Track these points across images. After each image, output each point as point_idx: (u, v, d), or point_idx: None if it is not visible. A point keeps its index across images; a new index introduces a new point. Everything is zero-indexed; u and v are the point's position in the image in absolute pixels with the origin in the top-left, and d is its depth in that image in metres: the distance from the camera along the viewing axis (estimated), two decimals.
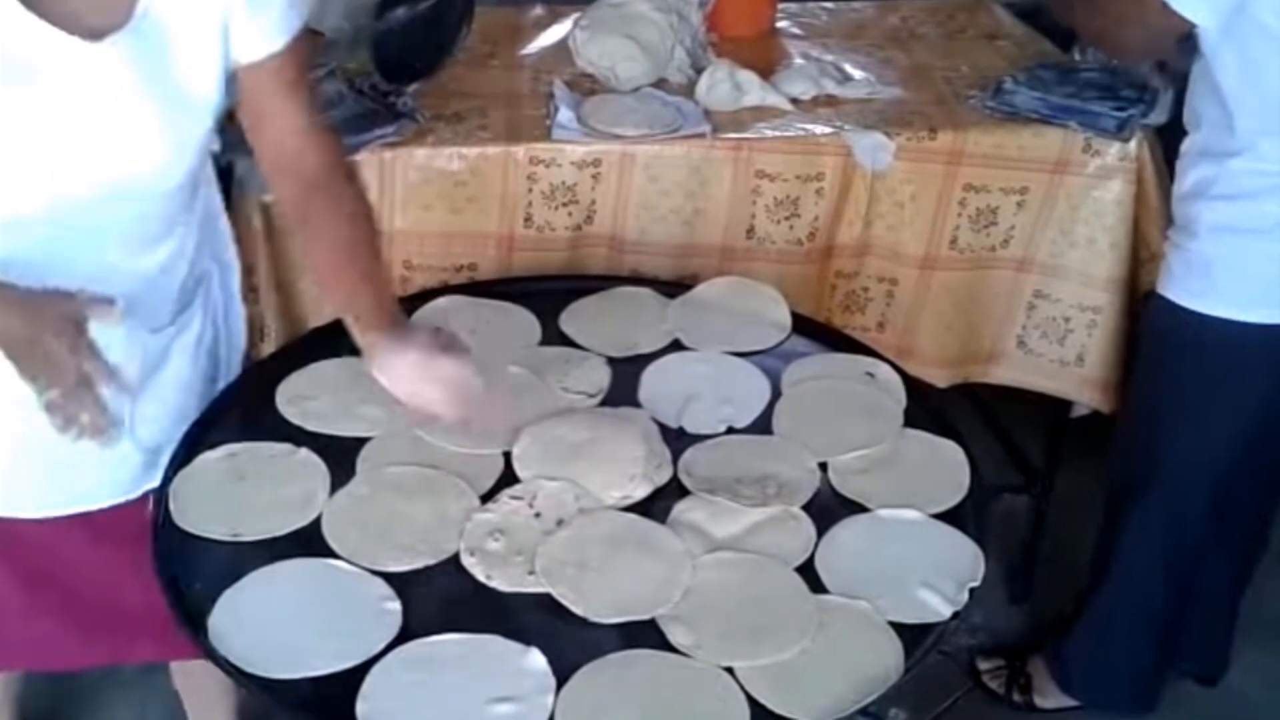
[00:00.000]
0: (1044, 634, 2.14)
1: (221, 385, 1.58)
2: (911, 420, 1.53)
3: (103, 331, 1.19)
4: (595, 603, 1.26)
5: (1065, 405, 2.17)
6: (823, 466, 1.45)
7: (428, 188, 1.89)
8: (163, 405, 1.50)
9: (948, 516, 1.40)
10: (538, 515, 1.36)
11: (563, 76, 2.07)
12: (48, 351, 1.15)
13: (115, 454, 1.36)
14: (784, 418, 1.53)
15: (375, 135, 1.85)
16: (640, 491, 1.39)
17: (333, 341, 1.63)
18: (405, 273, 1.93)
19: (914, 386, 1.59)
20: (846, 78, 2.10)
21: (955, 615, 1.28)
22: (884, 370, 1.60)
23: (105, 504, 1.49)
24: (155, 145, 1.31)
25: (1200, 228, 1.74)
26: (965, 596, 1.29)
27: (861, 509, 1.40)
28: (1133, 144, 1.93)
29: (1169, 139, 1.88)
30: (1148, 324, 1.88)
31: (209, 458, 1.43)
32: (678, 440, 1.48)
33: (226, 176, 1.84)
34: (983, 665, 2.08)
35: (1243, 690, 2.13)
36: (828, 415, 1.52)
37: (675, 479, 1.42)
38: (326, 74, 1.98)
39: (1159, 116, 1.93)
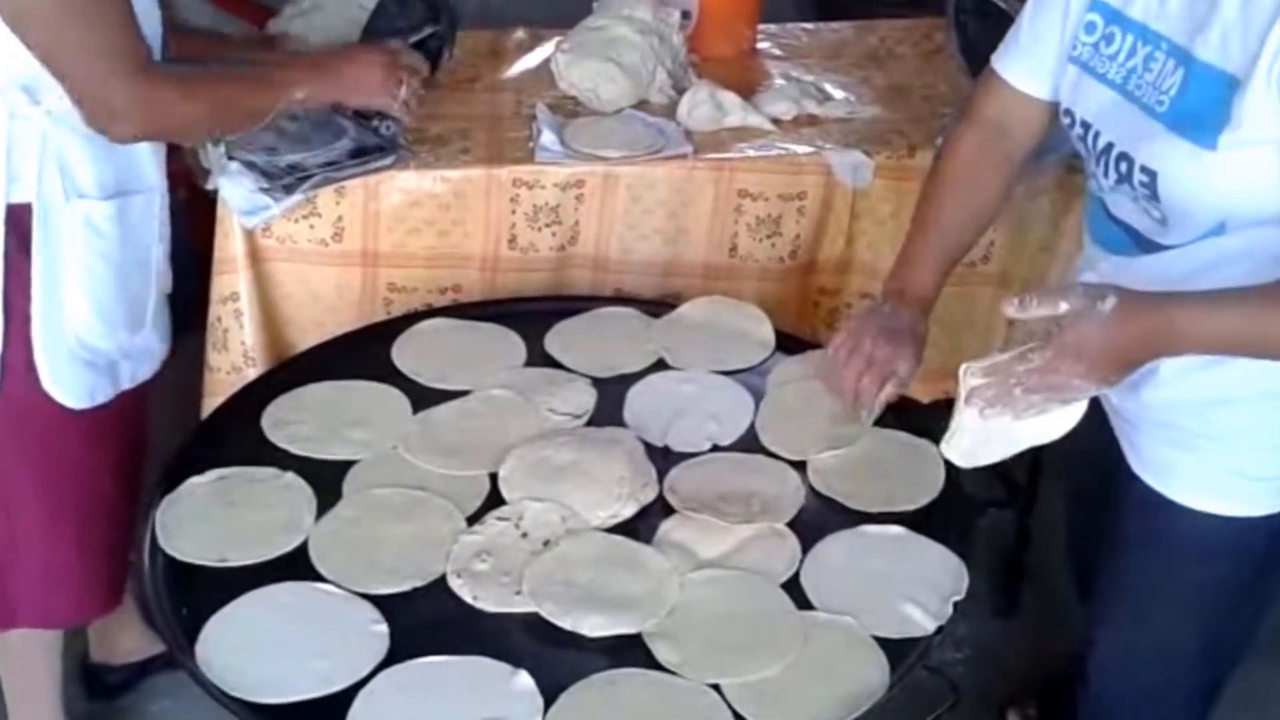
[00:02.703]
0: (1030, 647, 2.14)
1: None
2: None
3: None
4: (582, 618, 1.27)
5: None
6: (802, 466, 1.47)
7: (412, 210, 1.90)
8: None
9: (929, 522, 1.41)
10: (524, 536, 1.37)
11: (545, 99, 2.08)
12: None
13: None
14: (766, 417, 1.55)
15: (374, 166, 1.86)
16: (627, 511, 1.40)
17: (318, 365, 1.64)
18: (390, 295, 1.94)
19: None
20: (826, 97, 2.12)
21: (939, 630, 1.29)
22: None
23: None
24: None
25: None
26: (949, 610, 1.30)
27: (841, 508, 1.42)
28: None
29: None
30: (1197, 546, 1.43)
31: (196, 482, 1.43)
32: (663, 459, 1.49)
33: (210, 203, 1.85)
34: None
35: None
36: (809, 414, 1.54)
37: (661, 497, 1.43)
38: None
39: None
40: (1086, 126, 1.35)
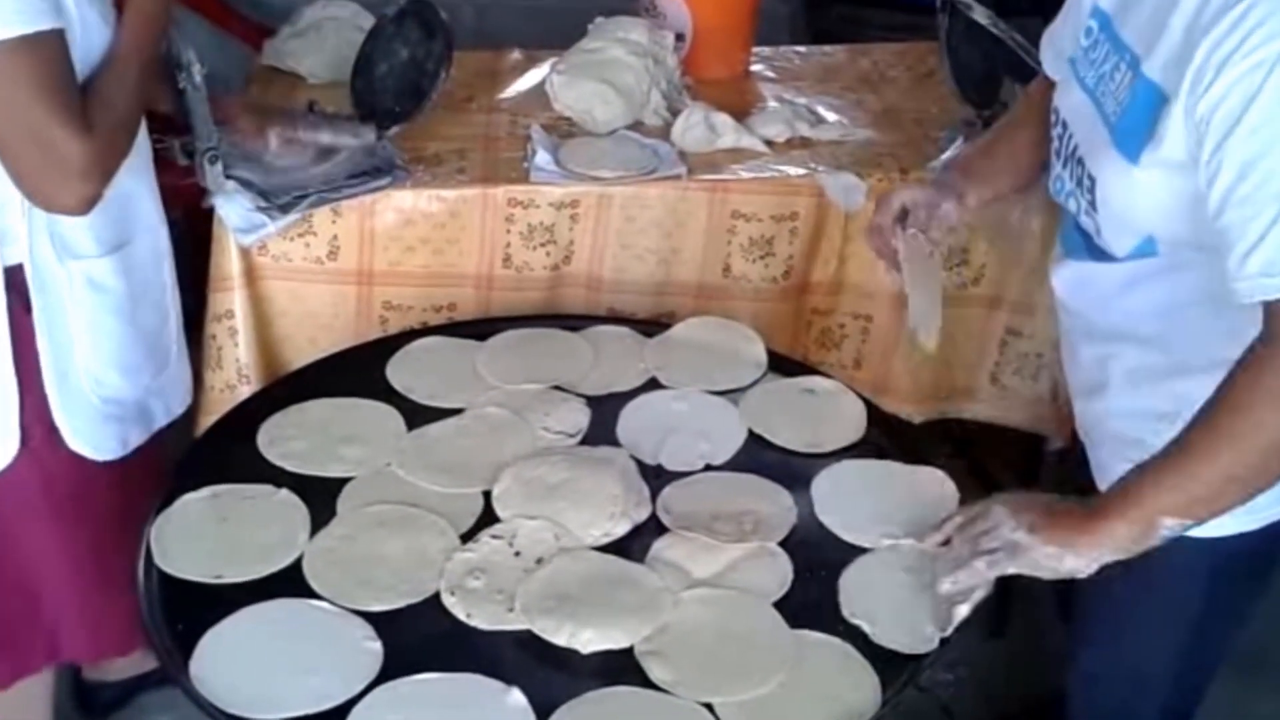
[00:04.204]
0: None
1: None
2: (882, 451, 1.55)
3: None
4: (576, 633, 1.27)
5: (1040, 439, 2.19)
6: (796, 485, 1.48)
7: (407, 229, 1.91)
8: None
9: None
10: (518, 554, 1.37)
11: (540, 120, 2.09)
12: None
13: None
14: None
15: (370, 186, 1.88)
16: (620, 529, 1.41)
17: (313, 383, 1.65)
18: (385, 313, 1.94)
19: (882, 416, 1.62)
20: (819, 120, 2.14)
21: (933, 649, 1.29)
22: (822, 384, 1.64)
23: None
24: None
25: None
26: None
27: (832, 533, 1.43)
28: None
29: None
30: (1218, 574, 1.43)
31: (191, 499, 1.44)
32: (656, 478, 1.49)
33: (207, 220, 1.86)
34: None
35: None
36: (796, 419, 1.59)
37: (654, 516, 1.44)
38: (310, 118, 2.00)
39: None
40: (1065, 126, 1.38)
